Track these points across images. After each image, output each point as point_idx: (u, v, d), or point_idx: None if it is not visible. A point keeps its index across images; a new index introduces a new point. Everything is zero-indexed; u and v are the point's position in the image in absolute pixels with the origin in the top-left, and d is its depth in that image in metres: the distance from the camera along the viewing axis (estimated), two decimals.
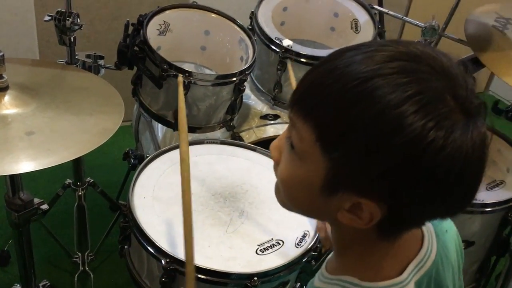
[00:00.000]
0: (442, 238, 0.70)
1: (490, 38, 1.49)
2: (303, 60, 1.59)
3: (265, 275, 1.08)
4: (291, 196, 0.62)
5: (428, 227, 0.69)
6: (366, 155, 0.52)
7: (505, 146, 1.66)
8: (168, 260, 1.07)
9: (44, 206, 1.24)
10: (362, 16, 1.74)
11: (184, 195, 0.84)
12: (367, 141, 0.51)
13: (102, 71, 1.58)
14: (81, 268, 1.73)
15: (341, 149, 0.53)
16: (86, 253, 1.74)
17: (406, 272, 0.62)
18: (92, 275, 1.73)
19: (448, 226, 0.73)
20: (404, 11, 2.63)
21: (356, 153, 0.52)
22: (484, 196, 1.50)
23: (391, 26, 2.38)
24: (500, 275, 1.50)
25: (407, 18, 1.80)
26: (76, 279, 1.72)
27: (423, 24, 1.66)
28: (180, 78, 1.30)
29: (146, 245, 1.10)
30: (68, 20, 1.44)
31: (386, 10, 1.80)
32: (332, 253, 0.70)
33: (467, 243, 1.53)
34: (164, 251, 1.07)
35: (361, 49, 0.55)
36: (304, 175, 0.58)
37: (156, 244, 1.08)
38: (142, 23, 1.48)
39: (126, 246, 1.23)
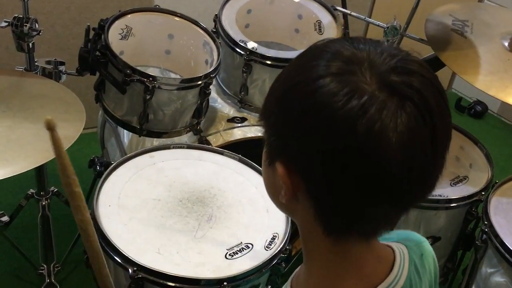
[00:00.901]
0: (417, 262, 0.67)
1: (449, 38, 1.52)
2: (268, 62, 1.59)
3: (234, 280, 1.07)
4: (264, 182, 0.64)
5: (402, 250, 0.66)
6: (271, 114, 0.56)
7: (467, 143, 1.70)
8: (135, 268, 1.05)
9: (4, 218, 1.21)
10: (325, 18, 1.76)
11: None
12: (274, 100, 0.56)
13: (64, 77, 1.54)
14: (47, 280, 1.68)
15: (263, 113, 0.58)
16: (52, 265, 1.70)
17: None
18: (58, 287, 1.69)
19: (425, 250, 0.70)
20: (367, 12, 2.67)
21: (267, 113, 0.57)
22: (449, 192, 1.53)
23: (355, 27, 2.41)
24: (467, 269, 1.53)
25: (369, 19, 1.82)
26: None
27: (385, 25, 1.69)
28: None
29: (112, 254, 1.08)
30: (26, 25, 1.40)
31: (349, 11, 1.82)
32: (300, 266, 0.68)
33: (434, 239, 1.56)
34: (130, 259, 1.05)
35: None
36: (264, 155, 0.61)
37: (123, 252, 1.06)
38: (103, 27, 1.46)
39: None
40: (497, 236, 1.34)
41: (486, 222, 1.39)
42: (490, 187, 1.53)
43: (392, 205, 0.55)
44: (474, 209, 1.55)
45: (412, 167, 0.52)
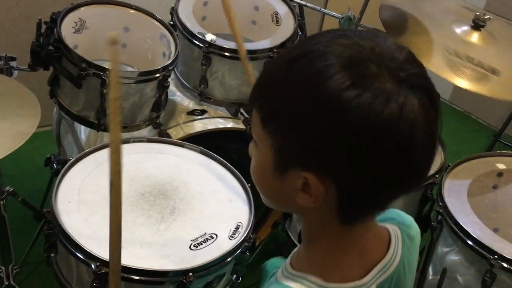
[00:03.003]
0: (408, 243, 0.71)
1: (404, 23, 1.56)
2: (227, 54, 1.59)
3: (199, 270, 1.07)
4: (258, 185, 0.66)
5: (395, 232, 0.70)
6: (296, 127, 0.56)
7: None
8: (98, 263, 1.03)
9: None
10: (282, 9, 1.77)
11: (114, 192, 0.82)
12: (295, 113, 0.55)
13: (15, 73, 1.50)
14: (6, 283, 1.63)
15: (274, 123, 0.57)
16: (10, 266, 1.65)
17: (370, 275, 0.63)
18: None
19: (414, 232, 0.75)
20: (322, 2, 2.71)
21: (287, 126, 0.56)
22: None
23: (311, 18, 2.44)
24: (424, 250, 1.58)
25: (324, 10, 1.86)
26: None
27: (339, 15, 1.72)
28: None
29: (74, 251, 1.06)
30: None
31: (304, 2, 1.85)
32: (297, 247, 0.71)
33: None
34: (93, 254, 1.04)
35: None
36: (261, 160, 0.62)
37: (84, 248, 1.05)
38: (55, 21, 1.42)
39: (52, 254, 1.18)
40: (451, 216, 1.40)
41: (440, 204, 1.45)
42: (443, 170, 1.59)
43: (403, 188, 0.60)
44: (429, 191, 1.61)
45: (431, 152, 0.58)
